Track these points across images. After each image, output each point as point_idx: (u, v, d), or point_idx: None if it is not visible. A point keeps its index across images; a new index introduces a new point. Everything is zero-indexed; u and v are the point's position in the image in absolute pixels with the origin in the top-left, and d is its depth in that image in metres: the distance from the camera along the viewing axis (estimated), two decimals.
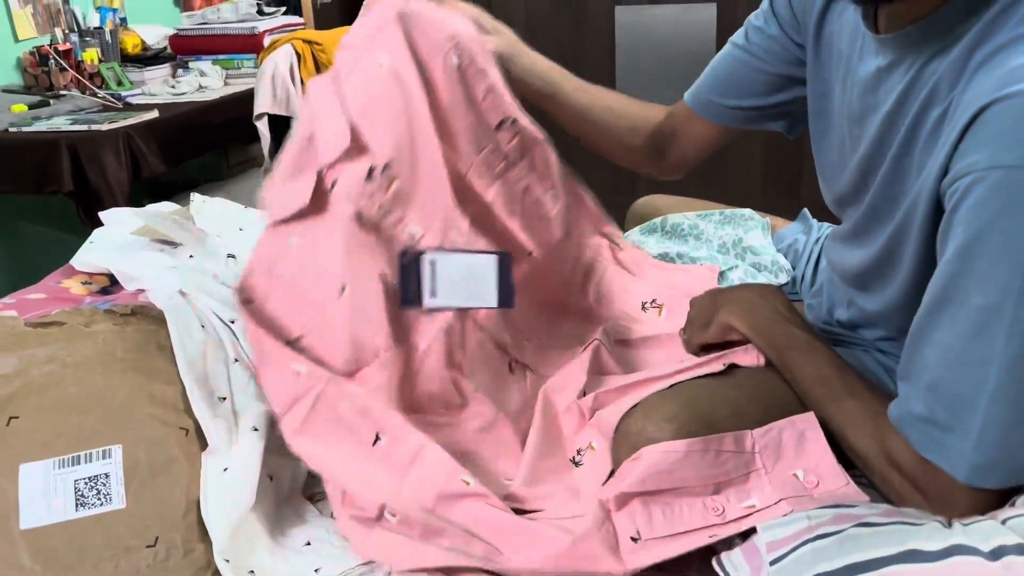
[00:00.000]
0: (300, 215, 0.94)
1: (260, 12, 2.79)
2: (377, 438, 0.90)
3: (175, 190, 2.74)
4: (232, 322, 1.06)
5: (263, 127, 2.20)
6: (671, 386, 0.92)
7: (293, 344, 0.94)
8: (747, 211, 1.47)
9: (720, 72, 1.13)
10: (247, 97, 2.37)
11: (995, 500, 0.72)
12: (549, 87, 1.17)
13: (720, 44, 1.58)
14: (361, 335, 0.93)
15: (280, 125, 2.24)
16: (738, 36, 1.11)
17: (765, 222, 1.42)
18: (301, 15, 2.92)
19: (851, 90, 0.90)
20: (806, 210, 1.39)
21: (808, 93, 1.02)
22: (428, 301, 0.96)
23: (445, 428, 0.96)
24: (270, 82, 2.16)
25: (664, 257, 1.40)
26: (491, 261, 1.00)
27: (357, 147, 0.94)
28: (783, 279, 1.32)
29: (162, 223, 1.16)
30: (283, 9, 2.93)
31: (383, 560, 0.84)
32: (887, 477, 0.79)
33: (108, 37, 2.69)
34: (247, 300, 0.96)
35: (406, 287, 0.95)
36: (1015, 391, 0.68)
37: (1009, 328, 0.67)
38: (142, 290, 1.14)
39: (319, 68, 2.25)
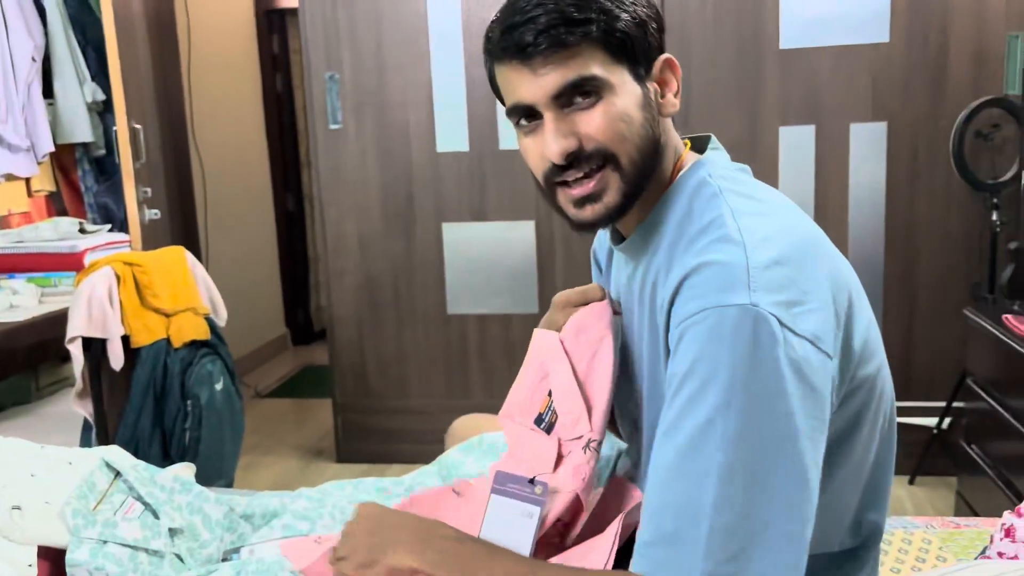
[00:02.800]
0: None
1: (82, 231, 2.76)
2: None
3: None
4: None
5: (76, 350, 2.12)
6: None
7: None
8: None
9: None
10: (62, 316, 2.30)
11: None
12: None
13: (539, 257, 1.67)
14: None
15: (95, 347, 2.17)
16: None
17: None
18: (127, 232, 2.91)
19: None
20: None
21: None
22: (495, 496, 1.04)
23: None
24: (86, 304, 2.11)
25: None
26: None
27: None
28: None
29: None
30: (107, 227, 2.91)
31: None
32: None
33: None
34: None
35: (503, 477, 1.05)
36: (733, 496, 0.76)
37: (721, 439, 0.77)
38: None
39: (139, 290, 2.22)
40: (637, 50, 0.91)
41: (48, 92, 3.16)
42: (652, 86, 0.94)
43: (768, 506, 0.76)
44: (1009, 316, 2.22)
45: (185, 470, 1.54)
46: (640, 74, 0.92)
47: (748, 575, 0.76)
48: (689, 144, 1.01)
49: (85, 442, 2.28)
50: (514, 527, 1.03)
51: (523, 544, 1.01)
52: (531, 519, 1.03)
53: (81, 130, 3.15)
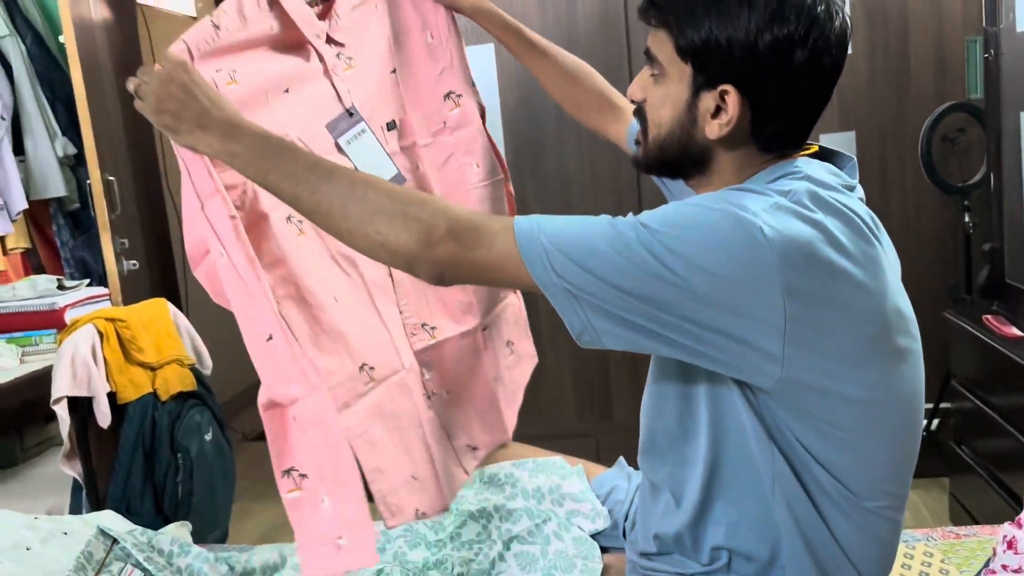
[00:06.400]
0: None
1: (61, 287, 2.73)
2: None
3: None
4: None
5: (62, 411, 2.09)
6: None
7: None
8: (558, 459, 1.53)
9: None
10: (46, 375, 2.27)
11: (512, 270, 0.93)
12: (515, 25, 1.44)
13: None
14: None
15: (81, 405, 2.15)
16: None
17: (578, 468, 1.49)
18: (107, 285, 2.88)
19: None
20: (622, 458, 1.47)
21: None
22: (342, 140, 1.19)
23: None
24: (70, 363, 2.09)
25: (482, 512, 1.43)
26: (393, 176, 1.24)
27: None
28: (600, 524, 1.37)
29: None
30: (86, 281, 2.88)
31: None
32: (414, 213, 0.96)
33: None
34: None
35: (337, 122, 1.19)
36: (601, 243, 0.90)
37: (632, 235, 0.90)
38: None
39: (123, 345, 2.20)
40: (700, 62, 0.98)
41: (19, 149, 3.14)
42: (707, 101, 0.99)
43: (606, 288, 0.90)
44: (989, 316, 2.25)
45: (181, 529, 1.53)
46: (699, 82, 0.99)
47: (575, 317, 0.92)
48: (815, 148, 1.10)
49: (75, 502, 2.25)
50: (366, 152, 1.19)
51: (384, 162, 1.22)
52: (365, 134, 1.19)
53: (54, 185, 3.13)
